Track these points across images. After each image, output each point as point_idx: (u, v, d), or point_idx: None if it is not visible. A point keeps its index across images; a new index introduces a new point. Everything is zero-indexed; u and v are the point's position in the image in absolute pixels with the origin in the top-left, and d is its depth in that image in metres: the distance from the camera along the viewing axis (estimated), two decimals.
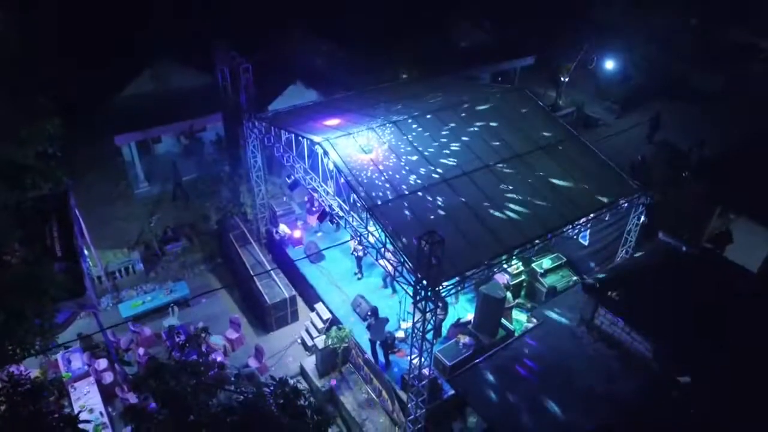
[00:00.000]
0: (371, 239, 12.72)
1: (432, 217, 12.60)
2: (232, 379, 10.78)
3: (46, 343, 12.34)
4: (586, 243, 16.38)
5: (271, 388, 10.08)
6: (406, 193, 12.97)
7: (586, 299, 12.53)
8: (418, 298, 11.16)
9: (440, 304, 14.07)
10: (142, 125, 21.99)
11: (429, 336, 11.59)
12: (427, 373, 12.32)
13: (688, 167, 21.73)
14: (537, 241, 12.58)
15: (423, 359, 11.83)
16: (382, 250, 12.20)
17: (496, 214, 12.91)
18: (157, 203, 22.31)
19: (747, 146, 19.73)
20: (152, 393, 9.59)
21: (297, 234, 18.60)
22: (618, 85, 29.45)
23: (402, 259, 11.62)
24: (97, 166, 24.37)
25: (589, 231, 16.26)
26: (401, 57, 23.77)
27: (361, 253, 17.06)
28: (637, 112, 29.23)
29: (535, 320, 14.70)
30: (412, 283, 11.22)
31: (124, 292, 18.98)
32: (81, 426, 9.75)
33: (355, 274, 17.66)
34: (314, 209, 19.26)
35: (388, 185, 13.07)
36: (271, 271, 17.95)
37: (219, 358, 14.40)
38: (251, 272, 17.81)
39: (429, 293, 10.89)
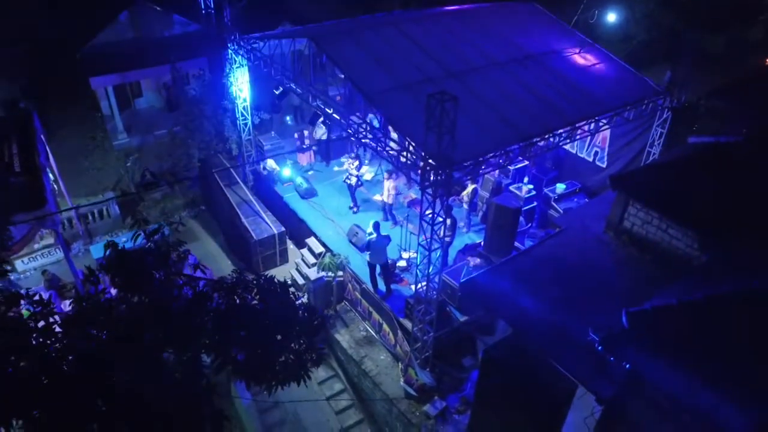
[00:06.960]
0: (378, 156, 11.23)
1: None
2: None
3: None
4: (604, 165, 15.02)
5: (255, 281, 8.55)
6: (410, 83, 11.53)
7: (614, 199, 11.07)
8: (426, 183, 9.65)
9: (448, 221, 12.55)
10: (119, 69, 20.52)
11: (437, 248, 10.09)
12: (437, 281, 10.78)
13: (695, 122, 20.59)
14: (556, 132, 11.15)
15: (433, 263, 10.29)
16: (383, 140, 10.72)
17: (511, 106, 11.50)
18: (137, 151, 20.75)
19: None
20: (111, 279, 8.04)
21: (286, 171, 17.05)
22: (619, 44, 28.25)
23: (407, 143, 10.14)
24: (74, 121, 22.82)
25: (606, 152, 14.96)
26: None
27: (354, 180, 15.50)
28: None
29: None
30: (419, 164, 9.71)
31: (97, 238, 17.39)
32: None
33: (351, 207, 16.10)
34: (304, 146, 17.78)
35: (389, 77, 11.63)
36: (259, 209, 16.39)
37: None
38: (236, 210, 16.24)
39: (440, 174, 9.38)
